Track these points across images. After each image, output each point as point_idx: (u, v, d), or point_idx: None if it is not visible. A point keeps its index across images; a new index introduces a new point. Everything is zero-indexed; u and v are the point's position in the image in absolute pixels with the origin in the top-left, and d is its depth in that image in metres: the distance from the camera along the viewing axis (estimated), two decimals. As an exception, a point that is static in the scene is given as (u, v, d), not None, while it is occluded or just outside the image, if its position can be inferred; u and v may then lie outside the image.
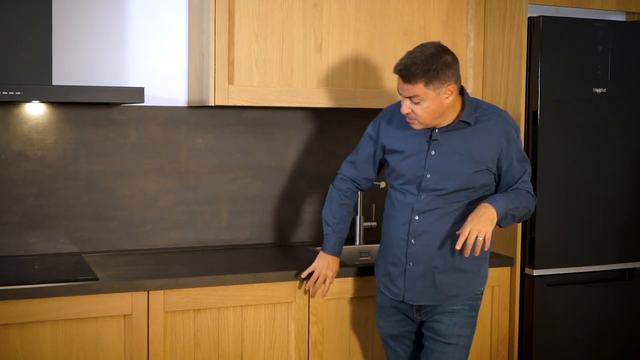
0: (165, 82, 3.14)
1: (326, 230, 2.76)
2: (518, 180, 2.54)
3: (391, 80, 3.14)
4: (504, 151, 2.50)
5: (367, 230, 3.39)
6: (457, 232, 2.42)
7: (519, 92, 3.09)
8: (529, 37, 3.08)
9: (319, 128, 3.38)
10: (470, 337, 2.59)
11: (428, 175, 2.50)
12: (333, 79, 3.05)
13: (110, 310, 2.53)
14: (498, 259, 3.12)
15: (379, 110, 3.39)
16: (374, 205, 3.40)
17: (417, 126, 2.47)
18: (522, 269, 3.13)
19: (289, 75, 2.99)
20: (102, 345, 2.54)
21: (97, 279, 2.55)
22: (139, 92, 2.69)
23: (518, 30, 3.08)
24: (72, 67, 3.00)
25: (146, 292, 2.57)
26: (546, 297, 3.13)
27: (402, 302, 2.59)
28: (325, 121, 3.38)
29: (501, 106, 3.17)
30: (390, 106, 2.69)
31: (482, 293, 2.62)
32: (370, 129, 2.70)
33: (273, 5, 2.95)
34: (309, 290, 2.75)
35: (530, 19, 3.08)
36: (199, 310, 2.66)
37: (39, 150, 2.98)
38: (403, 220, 2.54)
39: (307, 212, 3.38)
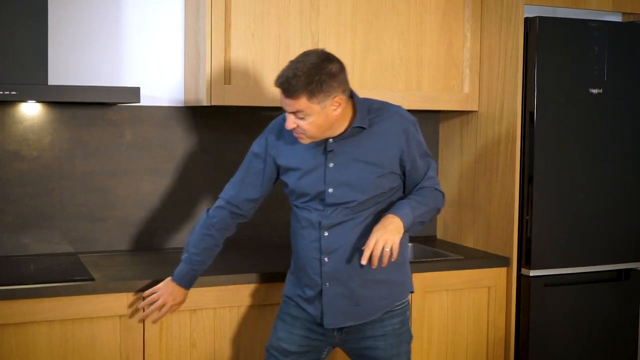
0: (161, 82, 3.13)
1: (182, 257, 2.51)
2: (424, 177, 2.39)
3: (387, 80, 3.14)
4: (405, 150, 2.34)
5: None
6: (362, 247, 2.25)
7: (515, 93, 3.08)
8: (526, 38, 3.08)
9: (315, 128, 3.37)
10: (408, 353, 2.45)
11: (330, 190, 2.31)
12: (329, 79, 3.04)
13: (106, 311, 2.52)
14: (494, 259, 3.12)
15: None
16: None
17: (305, 141, 2.28)
18: (519, 270, 3.13)
19: (286, 75, 2.98)
20: (97, 346, 2.53)
21: (92, 279, 2.54)
22: (134, 92, 2.68)
23: (514, 31, 3.08)
24: (68, 67, 2.99)
25: (142, 293, 2.56)
26: (543, 297, 3.13)
27: (306, 312, 2.41)
28: (322, 121, 3.37)
29: (497, 107, 3.17)
30: (277, 120, 2.46)
31: (408, 302, 2.46)
32: (255, 146, 2.46)
33: (269, 4, 2.94)
34: (142, 310, 2.53)
35: (526, 20, 3.08)
36: (195, 310, 2.65)
37: (34, 150, 2.97)
38: (312, 237, 2.35)
39: (304, 212, 3.37)
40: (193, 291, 2.61)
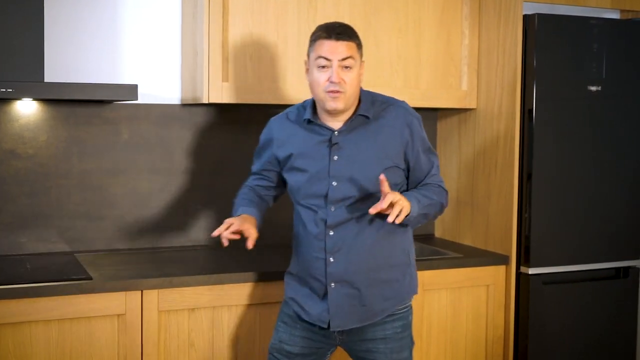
0: (158, 80, 3.12)
1: (234, 209, 2.45)
2: (427, 174, 2.35)
3: (385, 78, 3.13)
4: (410, 144, 2.30)
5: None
6: (370, 209, 2.13)
7: (514, 90, 3.07)
8: (524, 35, 3.07)
9: (313, 126, 3.36)
10: (409, 358, 2.40)
11: (334, 183, 2.27)
12: (328, 76, 3.03)
13: (103, 310, 2.51)
14: (493, 257, 3.11)
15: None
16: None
17: (339, 103, 2.22)
18: (518, 267, 3.12)
19: (284, 72, 2.97)
20: (95, 346, 2.51)
21: (90, 279, 2.52)
22: (132, 90, 2.66)
23: (513, 28, 3.07)
24: (64, 65, 2.97)
25: (140, 292, 2.54)
26: (541, 295, 3.12)
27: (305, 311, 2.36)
28: (320, 119, 3.36)
29: (496, 104, 3.16)
30: (279, 115, 2.45)
31: (410, 307, 2.41)
32: (261, 137, 2.48)
33: (267, 1, 2.93)
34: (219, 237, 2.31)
35: (525, 17, 3.07)
36: (193, 309, 2.63)
37: (30, 149, 2.95)
38: (316, 237, 2.30)
39: (301, 210, 3.36)
40: (191, 290, 2.60)
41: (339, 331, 2.36)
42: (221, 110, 3.21)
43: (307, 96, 2.99)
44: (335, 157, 2.28)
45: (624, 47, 3.22)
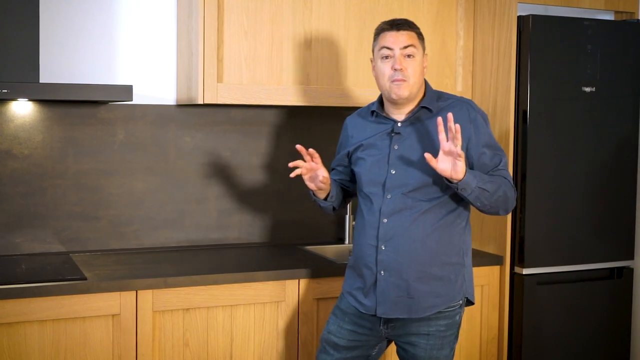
0: (154, 80, 3.12)
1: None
2: (493, 169, 2.33)
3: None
4: (472, 139, 2.33)
5: (356, 229, 3.38)
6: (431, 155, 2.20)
7: (508, 91, 3.08)
8: (519, 36, 3.08)
9: (308, 126, 3.37)
10: (449, 357, 2.43)
11: (392, 171, 2.34)
12: (323, 76, 3.04)
13: (98, 310, 2.51)
14: (487, 257, 3.12)
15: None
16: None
17: (404, 90, 2.31)
18: (512, 268, 3.13)
19: (279, 73, 2.97)
20: (90, 346, 2.52)
21: (85, 279, 2.52)
22: (127, 90, 2.66)
23: (508, 29, 3.08)
24: (60, 65, 2.97)
25: (134, 292, 2.55)
26: (536, 295, 3.13)
27: (374, 315, 2.39)
28: (315, 119, 3.37)
29: (491, 105, 3.17)
30: (345, 121, 2.59)
31: (459, 307, 2.41)
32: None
33: (262, 2, 2.93)
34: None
35: (519, 18, 3.08)
36: (187, 309, 2.64)
37: (26, 149, 2.95)
38: (372, 225, 2.37)
39: (296, 211, 3.37)
40: (186, 290, 2.61)
41: (384, 324, 2.40)
42: (216, 110, 3.21)
43: (302, 97, 3.02)
44: (396, 147, 2.36)
45: (618, 48, 3.23)
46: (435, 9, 3.22)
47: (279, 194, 3.34)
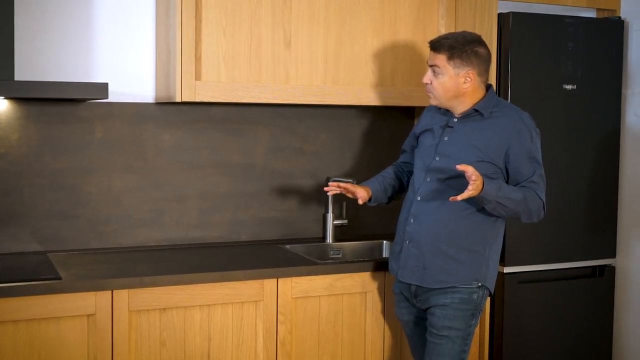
0: (132, 78, 3.10)
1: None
2: (527, 179, 2.54)
3: (360, 77, 3.12)
4: (513, 147, 2.53)
5: (337, 228, 3.36)
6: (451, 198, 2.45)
7: (489, 89, 3.07)
8: (499, 33, 3.07)
9: (287, 124, 3.35)
10: (463, 330, 2.59)
11: (437, 158, 2.61)
12: (302, 75, 3.02)
13: (73, 310, 2.49)
14: (468, 256, 3.11)
15: (348, 107, 3.38)
16: (344, 202, 3.37)
17: (432, 101, 2.63)
18: (493, 266, 3.12)
19: (258, 71, 2.95)
20: (64, 346, 2.49)
21: (59, 278, 2.50)
22: (102, 88, 2.64)
23: (488, 26, 3.07)
24: (36, 64, 2.94)
25: (110, 292, 2.52)
26: (517, 294, 3.12)
27: (401, 282, 2.69)
28: (294, 117, 3.36)
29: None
30: (429, 106, 2.79)
31: (478, 288, 2.60)
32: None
33: (241, 0, 2.91)
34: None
35: (500, 15, 3.07)
36: (164, 309, 2.62)
37: (1, 148, 2.92)
38: (409, 200, 2.69)
39: (277, 209, 3.35)
40: (162, 290, 2.59)
41: (414, 294, 2.67)
42: (196, 108, 3.19)
43: (281, 95, 3.00)
44: (446, 138, 2.62)
45: (600, 45, 3.22)
46: (417, 6, 3.21)
47: (259, 192, 3.32)
